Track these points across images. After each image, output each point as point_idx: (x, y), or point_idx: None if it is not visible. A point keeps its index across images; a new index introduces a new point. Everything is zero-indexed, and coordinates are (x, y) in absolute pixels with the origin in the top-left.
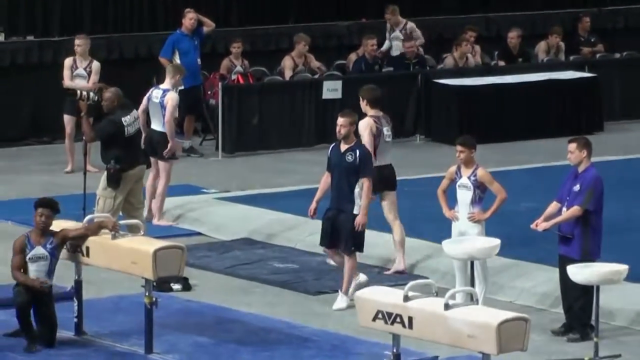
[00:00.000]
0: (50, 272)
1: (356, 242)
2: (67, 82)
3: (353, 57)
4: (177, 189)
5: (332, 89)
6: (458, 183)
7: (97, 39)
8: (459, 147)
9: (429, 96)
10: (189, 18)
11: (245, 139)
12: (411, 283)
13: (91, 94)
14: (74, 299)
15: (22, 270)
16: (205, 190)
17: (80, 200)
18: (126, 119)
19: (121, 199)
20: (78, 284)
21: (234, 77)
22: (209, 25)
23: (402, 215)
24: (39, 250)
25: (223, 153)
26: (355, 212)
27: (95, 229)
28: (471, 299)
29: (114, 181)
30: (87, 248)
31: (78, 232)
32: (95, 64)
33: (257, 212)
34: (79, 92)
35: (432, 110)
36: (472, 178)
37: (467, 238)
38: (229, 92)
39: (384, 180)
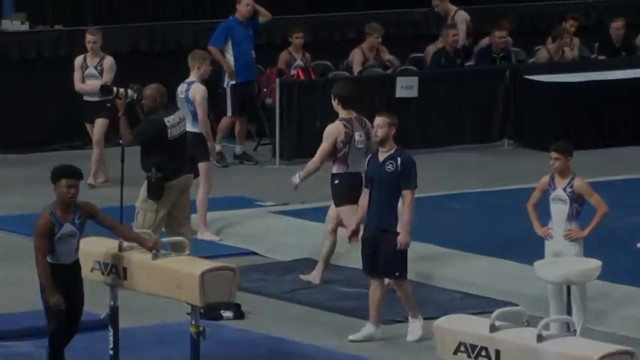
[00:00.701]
0: (77, 249)
1: (401, 266)
2: (78, 85)
3: (431, 49)
4: (228, 201)
5: (406, 86)
6: (552, 195)
7: (135, 28)
8: (553, 154)
9: (518, 95)
10: (246, 3)
11: (307, 144)
12: (498, 311)
13: (129, 91)
14: (110, 327)
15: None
16: (260, 203)
17: (115, 213)
18: (169, 120)
19: (164, 212)
20: (114, 311)
21: (293, 72)
22: (264, 16)
23: (485, 231)
24: (68, 227)
25: (281, 160)
26: (399, 230)
27: (130, 235)
28: (568, 329)
29: (155, 192)
30: (124, 269)
31: (107, 220)
32: (108, 60)
33: (319, 229)
34: (115, 89)
35: (523, 110)
36: (569, 189)
37: (563, 259)
38: (287, 90)
39: (356, 190)
